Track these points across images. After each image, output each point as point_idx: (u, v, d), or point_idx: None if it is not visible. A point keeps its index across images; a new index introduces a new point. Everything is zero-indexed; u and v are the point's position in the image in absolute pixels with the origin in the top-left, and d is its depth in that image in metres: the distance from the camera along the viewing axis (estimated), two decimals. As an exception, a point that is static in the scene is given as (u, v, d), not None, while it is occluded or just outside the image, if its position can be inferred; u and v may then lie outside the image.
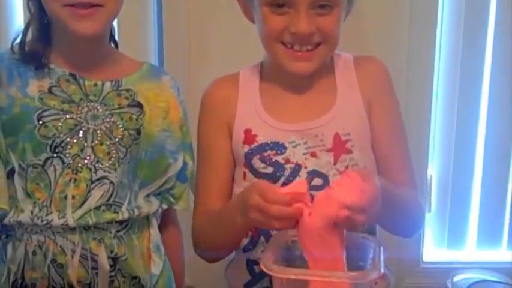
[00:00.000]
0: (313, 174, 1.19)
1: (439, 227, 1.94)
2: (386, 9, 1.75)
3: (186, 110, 1.36)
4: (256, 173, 1.23)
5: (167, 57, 1.76)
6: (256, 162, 1.22)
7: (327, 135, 1.20)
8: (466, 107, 1.87)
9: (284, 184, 1.19)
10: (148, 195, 1.30)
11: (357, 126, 1.22)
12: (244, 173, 1.24)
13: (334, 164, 1.20)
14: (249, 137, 1.23)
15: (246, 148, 1.23)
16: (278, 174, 1.21)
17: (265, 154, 1.21)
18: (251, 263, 1.26)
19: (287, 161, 1.21)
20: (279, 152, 1.21)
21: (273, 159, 1.21)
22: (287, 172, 1.21)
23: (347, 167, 1.20)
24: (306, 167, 1.20)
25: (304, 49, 1.17)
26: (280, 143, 1.21)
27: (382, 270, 0.94)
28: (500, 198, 1.91)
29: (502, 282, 0.97)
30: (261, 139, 1.22)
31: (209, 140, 1.28)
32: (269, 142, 1.22)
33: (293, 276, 0.94)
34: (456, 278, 1.04)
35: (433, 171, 1.92)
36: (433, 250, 1.95)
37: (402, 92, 1.77)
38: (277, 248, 1.04)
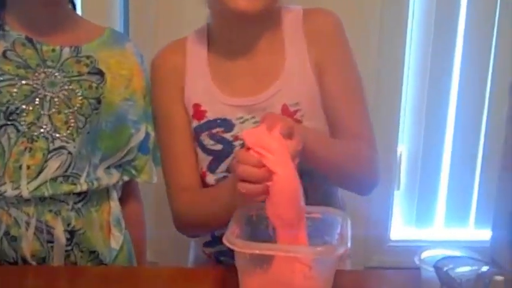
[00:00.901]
0: None
1: (408, 204, 1.95)
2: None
3: (149, 79, 1.31)
4: (206, 150, 1.21)
5: (132, 24, 1.72)
6: (205, 139, 1.20)
7: (275, 108, 1.17)
8: (437, 83, 1.86)
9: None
10: (108, 167, 1.26)
11: (306, 94, 1.18)
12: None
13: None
14: (197, 112, 1.21)
15: (195, 123, 1.21)
16: (227, 151, 1.19)
17: (214, 131, 1.20)
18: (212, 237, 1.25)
19: (235, 138, 1.19)
20: (227, 129, 1.19)
21: (222, 136, 1.19)
22: (236, 149, 1.18)
23: None
24: None
25: None
26: (228, 119, 1.19)
27: (349, 245, 0.92)
28: (469, 177, 1.91)
29: (470, 258, 0.95)
30: (209, 115, 1.20)
31: (167, 112, 1.24)
32: (217, 119, 1.19)
33: (257, 251, 0.91)
34: (424, 255, 1.01)
35: (403, 147, 1.90)
36: (401, 228, 1.95)
37: (373, 66, 1.75)
38: (241, 222, 1.00)
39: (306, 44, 1.19)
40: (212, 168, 1.21)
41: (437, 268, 0.90)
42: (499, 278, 0.86)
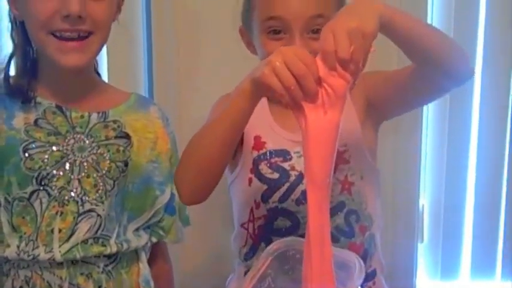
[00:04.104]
0: None
1: (432, 257, 1.92)
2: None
3: (175, 141, 1.34)
4: (263, 178, 1.25)
5: (157, 89, 1.75)
6: (264, 168, 1.25)
7: None
8: (457, 137, 1.86)
9: (288, 190, 1.23)
10: (137, 229, 1.28)
11: (352, 137, 1.23)
12: (250, 179, 1.26)
13: (334, 173, 1.20)
14: (258, 143, 1.27)
15: (255, 154, 1.26)
16: (283, 180, 1.24)
17: (273, 160, 1.25)
18: None
19: (292, 168, 1.24)
20: (285, 159, 1.25)
21: (280, 166, 1.24)
22: (292, 179, 1.24)
23: (346, 176, 1.24)
24: None
25: None
26: (287, 150, 1.25)
27: None
28: (493, 228, 1.89)
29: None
30: (269, 146, 1.26)
31: None
32: (277, 149, 1.25)
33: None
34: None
35: (425, 200, 1.90)
36: (426, 281, 1.93)
37: (392, 120, 1.77)
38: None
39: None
40: (265, 198, 1.25)
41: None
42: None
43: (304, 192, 1.21)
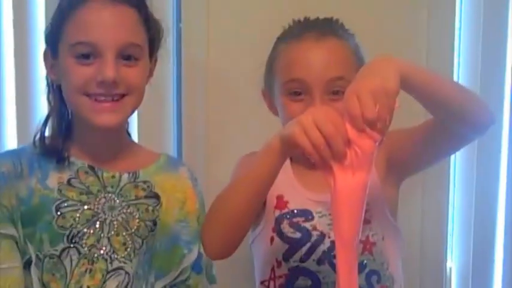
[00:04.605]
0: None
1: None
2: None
3: (203, 201, 1.37)
4: (284, 237, 1.27)
5: (186, 149, 1.79)
6: (286, 227, 1.27)
7: None
8: (484, 199, 1.86)
9: (310, 250, 1.25)
10: (164, 287, 1.29)
11: (373, 197, 1.21)
12: (272, 238, 1.28)
13: None
14: (280, 202, 1.29)
15: (277, 213, 1.28)
16: (305, 240, 1.26)
17: (295, 220, 1.27)
18: None
19: (314, 228, 1.26)
20: (307, 218, 1.26)
21: (302, 225, 1.26)
22: (313, 238, 1.25)
23: (367, 236, 1.25)
24: (329, 237, 1.24)
25: None
26: (309, 210, 1.27)
27: None
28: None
29: None
30: (291, 205, 1.28)
31: None
32: (299, 209, 1.27)
33: None
34: None
35: (452, 263, 1.89)
36: None
37: (419, 183, 1.78)
38: None
39: None
40: (286, 257, 1.27)
41: None
42: None
43: (325, 252, 1.24)
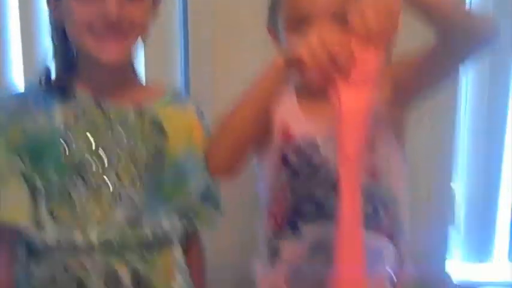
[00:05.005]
0: None
1: (467, 240, 1.94)
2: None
3: (210, 133, 1.38)
4: (290, 166, 1.28)
5: (193, 86, 1.80)
6: (291, 156, 1.28)
7: None
8: (494, 114, 1.87)
9: (316, 178, 1.26)
10: (172, 217, 1.32)
11: (378, 121, 1.21)
12: (277, 165, 1.30)
13: None
14: (287, 133, 1.29)
15: (284, 143, 1.29)
16: (310, 168, 1.26)
17: (301, 149, 1.27)
18: (274, 259, 1.29)
19: (319, 156, 1.26)
20: (312, 147, 1.27)
21: (307, 154, 1.27)
22: (318, 166, 1.26)
23: (373, 163, 1.25)
24: (335, 164, 1.20)
25: None
26: (314, 138, 1.27)
27: None
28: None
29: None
30: (298, 135, 1.28)
31: None
32: (305, 139, 1.27)
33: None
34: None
35: (459, 183, 1.91)
36: (460, 264, 1.95)
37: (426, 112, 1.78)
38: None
39: None
40: (291, 184, 1.29)
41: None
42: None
43: (329, 179, 1.25)
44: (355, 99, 0.98)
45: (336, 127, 1.00)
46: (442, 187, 1.88)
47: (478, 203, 1.92)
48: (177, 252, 1.34)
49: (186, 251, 1.38)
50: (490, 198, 1.92)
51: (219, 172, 1.23)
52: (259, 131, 1.19)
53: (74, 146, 1.23)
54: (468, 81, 1.86)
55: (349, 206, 1.01)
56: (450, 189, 1.89)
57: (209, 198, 1.38)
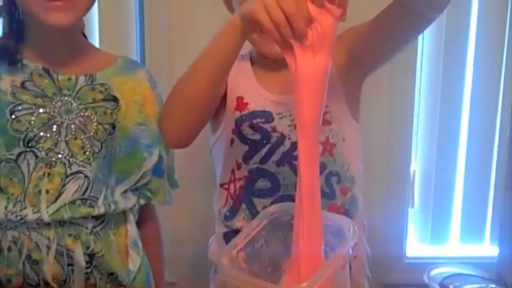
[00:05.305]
0: (295, 145, 1.19)
1: (423, 222, 1.94)
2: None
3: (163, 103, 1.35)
4: (244, 139, 1.26)
5: (148, 53, 1.76)
6: (246, 129, 1.25)
7: None
8: (449, 102, 1.86)
9: (269, 151, 1.24)
10: (125, 191, 1.29)
11: (333, 97, 1.21)
12: (232, 140, 1.27)
13: None
14: (240, 104, 1.27)
15: (237, 114, 1.26)
16: (265, 141, 1.25)
17: (255, 121, 1.25)
18: (229, 236, 1.27)
19: (274, 129, 1.24)
20: (267, 120, 1.25)
21: (262, 127, 1.25)
22: (273, 140, 1.24)
23: (327, 137, 1.24)
24: (289, 138, 1.24)
25: None
26: (269, 112, 1.25)
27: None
28: (483, 193, 1.90)
29: (475, 276, 0.97)
30: (251, 107, 1.26)
31: None
32: (259, 110, 1.25)
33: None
34: (433, 272, 1.04)
35: (416, 166, 1.91)
36: (416, 245, 1.95)
37: (385, 86, 1.78)
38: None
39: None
40: (246, 159, 1.26)
41: (443, 286, 0.92)
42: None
43: (284, 154, 1.23)
44: (311, 62, 0.96)
45: (293, 91, 0.98)
46: (400, 170, 1.87)
47: (434, 185, 1.92)
48: (132, 228, 1.31)
49: (141, 227, 1.35)
50: (446, 181, 1.92)
51: (172, 140, 1.18)
52: (214, 98, 1.16)
53: (21, 115, 1.18)
54: (424, 59, 1.86)
55: (307, 176, 0.99)
56: (408, 171, 1.89)
57: (163, 172, 1.35)
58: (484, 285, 0.90)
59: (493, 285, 0.90)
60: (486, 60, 1.82)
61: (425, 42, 1.84)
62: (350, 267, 1.25)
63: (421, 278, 1.08)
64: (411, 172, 1.90)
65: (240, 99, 1.27)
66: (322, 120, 1.15)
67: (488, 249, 1.89)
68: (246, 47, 1.27)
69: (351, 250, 1.05)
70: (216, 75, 1.08)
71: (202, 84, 1.09)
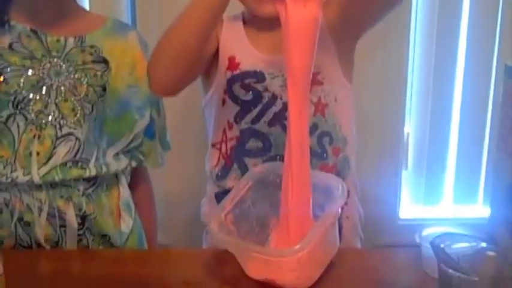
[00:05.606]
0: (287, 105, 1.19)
1: (416, 183, 1.95)
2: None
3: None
4: (236, 99, 1.25)
5: (139, 15, 1.74)
6: (237, 89, 1.24)
7: None
8: (443, 63, 1.85)
9: (261, 111, 1.23)
10: (117, 153, 1.29)
11: (325, 57, 1.21)
12: (224, 99, 1.26)
13: None
14: (232, 63, 1.25)
15: (229, 74, 1.25)
16: (256, 101, 1.24)
17: (246, 81, 1.24)
18: (220, 196, 1.26)
19: (265, 89, 1.23)
20: (259, 80, 1.24)
21: (253, 87, 1.24)
22: (264, 100, 1.23)
23: (319, 98, 1.23)
24: (281, 98, 1.23)
25: None
26: (261, 72, 1.24)
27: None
28: (476, 154, 1.90)
29: (467, 235, 0.97)
30: (243, 67, 1.25)
31: None
32: (251, 70, 1.24)
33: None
34: (425, 232, 1.04)
35: (409, 128, 1.91)
36: (410, 207, 1.96)
37: (378, 51, 1.76)
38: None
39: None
40: (238, 119, 1.25)
41: (433, 245, 0.92)
42: (492, 253, 0.88)
43: (276, 114, 1.23)
44: (301, 13, 0.96)
45: (283, 42, 0.97)
46: (394, 132, 1.86)
47: (428, 147, 1.92)
48: (124, 190, 1.31)
49: (133, 189, 1.35)
50: (440, 143, 1.92)
51: (157, 87, 1.15)
52: (202, 49, 1.13)
53: (9, 77, 1.17)
54: (418, 19, 1.84)
55: (297, 130, 1.00)
56: (402, 133, 1.89)
57: (154, 133, 1.34)
58: (474, 243, 0.90)
59: (484, 244, 0.90)
60: (481, 15, 1.81)
61: (419, 10, 1.83)
62: (342, 227, 1.27)
63: (413, 239, 1.09)
64: (405, 134, 1.90)
65: (231, 59, 1.25)
66: (314, 81, 1.15)
67: (481, 210, 1.91)
68: (239, 8, 1.27)
69: (340, 209, 1.05)
70: (204, 24, 1.07)
71: (189, 32, 1.07)
